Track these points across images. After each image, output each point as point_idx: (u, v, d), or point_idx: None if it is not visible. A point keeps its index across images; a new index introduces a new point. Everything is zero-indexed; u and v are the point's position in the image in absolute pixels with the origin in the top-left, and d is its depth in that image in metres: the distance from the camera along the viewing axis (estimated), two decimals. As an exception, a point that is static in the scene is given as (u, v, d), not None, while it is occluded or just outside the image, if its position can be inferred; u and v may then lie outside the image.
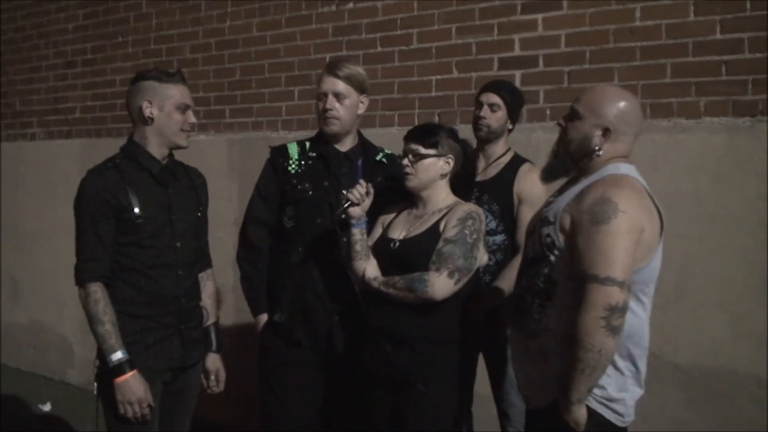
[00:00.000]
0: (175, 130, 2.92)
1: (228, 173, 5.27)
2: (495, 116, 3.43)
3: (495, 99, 3.44)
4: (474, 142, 3.54)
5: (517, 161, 3.47)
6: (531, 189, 3.33)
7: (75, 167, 5.64)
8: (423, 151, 2.94)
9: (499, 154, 3.49)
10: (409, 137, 3.00)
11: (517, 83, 3.97)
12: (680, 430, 3.62)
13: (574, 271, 2.26)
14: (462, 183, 3.19)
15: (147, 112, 2.88)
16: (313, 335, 3.22)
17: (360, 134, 3.39)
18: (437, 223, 2.89)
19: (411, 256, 2.87)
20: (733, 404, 3.53)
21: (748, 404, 3.49)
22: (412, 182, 2.96)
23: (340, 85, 3.20)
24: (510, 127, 3.51)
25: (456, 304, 2.85)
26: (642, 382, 2.39)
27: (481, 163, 3.50)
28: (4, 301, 6.87)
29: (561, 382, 2.27)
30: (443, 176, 2.97)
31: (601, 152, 2.39)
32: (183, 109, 2.92)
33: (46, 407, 5.66)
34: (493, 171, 3.46)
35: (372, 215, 3.05)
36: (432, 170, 2.94)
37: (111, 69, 6.13)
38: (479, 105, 3.48)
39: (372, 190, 2.96)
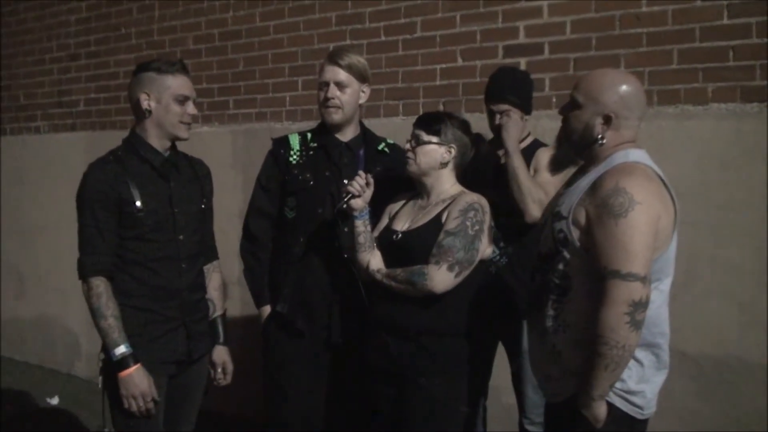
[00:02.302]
0: (174, 122, 2.89)
1: (232, 164, 5.25)
2: (511, 120, 3.36)
3: (504, 107, 3.34)
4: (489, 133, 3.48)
5: (535, 145, 3.42)
6: (544, 161, 3.25)
7: (79, 160, 5.61)
8: (425, 137, 2.92)
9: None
10: (416, 123, 2.99)
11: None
12: (688, 418, 3.61)
13: (591, 266, 2.23)
14: (478, 174, 3.16)
15: (145, 104, 2.85)
16: (313, 325, 3.22)
17: (362, 124, 3.39)
18: (440, 214, 2.87)
19: (413, 248, 2.85)
20: (740, 393, 3.51)
21: (756, 393, 3.47)
22: (411, 167, 2.94)
23: (342, 74, 3.19)
24: (526, 118, 3.45)
25: (462, 296, 2.82)
26: (665, 363, 2.36)
27: (503, 150, 3.45)
28: (10, 296, 6.88)
29: (583, 378, 2.24)
30: (444, 165, 2.94)
31: (604, 141, 2.35)
32: (181, 100, 2.88)
33: (54, 400, 5.68)
34: None
35: (374, 205, 3.03)
36: (431, 157, 2.92)
37: (114, 61, 6.11)
38: (491, 113, 3.40)
39: (372, 181, 2.94)
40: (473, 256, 2.80)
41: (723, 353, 3.55)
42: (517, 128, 3.30)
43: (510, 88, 3.40)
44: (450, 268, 2.75)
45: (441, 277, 2.75)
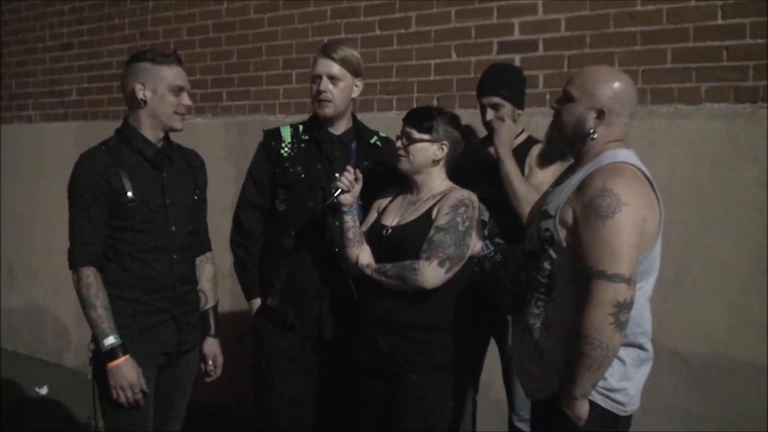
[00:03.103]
0: (169, 113, 2.88)
1: (225, 157, 5.24)
2: (501, 113, 3.35)
3: (496, 100, 3.32)
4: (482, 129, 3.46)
5: (530, 142, 3.41)
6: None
7: (71, 150, 5.57)
8: (416, 135, 2.91)
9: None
10: (406, 119, 2.97)
11: (517, 67, 3.93)
12: (677, 416, 3.62)
13: (576, 265, 2.23)
14: (469, 169, 3.14)
15: (140, 94, 2.84)
16: (304, 319, 3.22)
17: (354, 118, 3.38)
18: (430, 209, 2.87)
19: (403, 244, 2.85)
20: (731, 392, 3.52)
21: (746, 392, 3.48)
22: (403, 165, 2.94)
23: (335, 68, 3.18)
24: (519, 112, 3.44)
25: (451, 291, 2.82)
26: (648, 358, 2.36)
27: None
28: (0, 285, 6.85)
29: (565, 377, 2.25)
30: (436, 162, 2.93)
31: (596, 135, 2.35)
32: (176, 91, 2.88)
33: (43, 390, 5.67)
34: None
35: (365, 198, 3.02)
36: (424, 155, 2.91)
37: (107, 51, 6.08)
38: (482, 107, 3.39)
39: (361, 176, 2.94)
40: (464, 251, 2.80)
41: (713, 352, 3.56)
42: (509, 133, 3.25)
43: (502, 82, 3.37)
44: (441, 264, 2.75)
45: (431, 273, 2.75)
